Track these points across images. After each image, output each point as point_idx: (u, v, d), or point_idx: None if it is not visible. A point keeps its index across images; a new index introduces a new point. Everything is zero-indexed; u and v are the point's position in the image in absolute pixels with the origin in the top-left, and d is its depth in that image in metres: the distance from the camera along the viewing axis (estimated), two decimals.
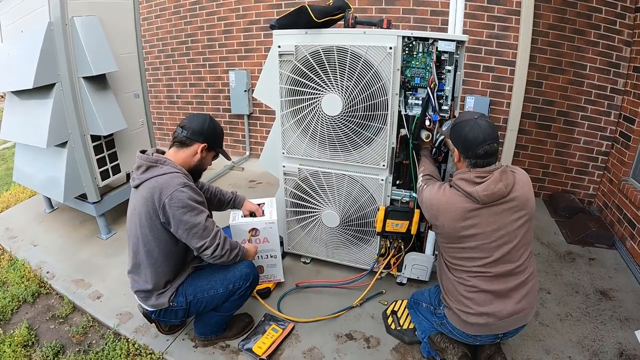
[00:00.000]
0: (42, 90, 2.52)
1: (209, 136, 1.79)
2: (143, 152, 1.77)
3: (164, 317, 1.88)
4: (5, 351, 2.12)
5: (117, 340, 2.13)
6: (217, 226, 1.77)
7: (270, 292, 2.37)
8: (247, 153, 4.68)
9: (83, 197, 2.89)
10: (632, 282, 2.59)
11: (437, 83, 1.92)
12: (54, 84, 2.50)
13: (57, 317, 2.33)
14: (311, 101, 2.10)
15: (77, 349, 2.12)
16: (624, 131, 3.18)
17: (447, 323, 1.75)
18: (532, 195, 1.59)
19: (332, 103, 2.04)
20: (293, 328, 2.13)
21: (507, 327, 1.61)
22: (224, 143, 1.93)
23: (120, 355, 2.03)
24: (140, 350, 2.06)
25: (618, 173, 3.17)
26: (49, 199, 3.47)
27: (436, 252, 2.31)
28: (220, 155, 1.93)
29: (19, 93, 2.65)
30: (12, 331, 2.25)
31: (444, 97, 1.95)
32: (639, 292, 2.50)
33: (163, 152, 1.82)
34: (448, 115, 1.96)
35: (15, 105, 2.74)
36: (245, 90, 4.21)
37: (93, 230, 3.13)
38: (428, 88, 1.92)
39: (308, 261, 2.67)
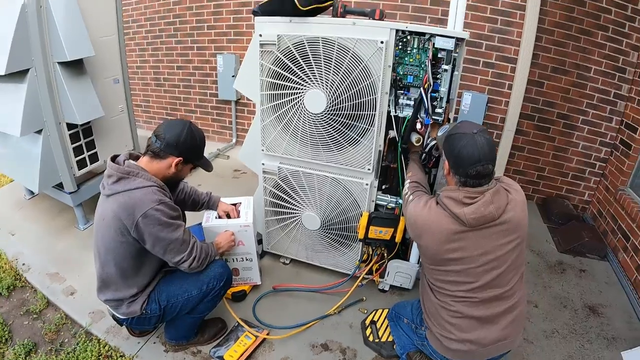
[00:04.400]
0: (15, 74, 2.36)
1: (185, 150, 1.63)
2: (115, 158, 1.64)
3: (136, 324, 1.80)
4: None
5: (88, 341, 2.08)
6: (192, 236, 1.69)
7: (246, 294, 2.27)
8: (234, 140, 4.51)
9: (60, 186, 2.77)
10: (622, 298, 2.52)
11: (431, 83, 1.76)
12: (27, 70, 2.35)
13: (31, 312, 2.28)
14: (293, 96, 1.95)
15: (49, 348, 2.08)
16: (624, 139, 3.06)
17: (427, 345, 1.66)
18: (525, 217, 1.47)
19: (315, 100, 1.89)
20: (268, 334, 2.04)
21: (490, 354, 1.52)
22: (204, 152, 1.78)
23: (90, 357, 1.98)
24: (111, 353, 2.00)
25: (615, 182, 3.06)
26: None
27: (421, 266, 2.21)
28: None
29: None
30: None
31: (438, 99, 1.80)
32: (628, 309, 2.43)
33: (137, 157, 1.69)
34: (441, 118, 1.82)
35: None
36: (233, 76, 4.01)
37: (71, 220, 3.04)
38: (421, 88, 1.77)
39: (287, 262, 2.56)
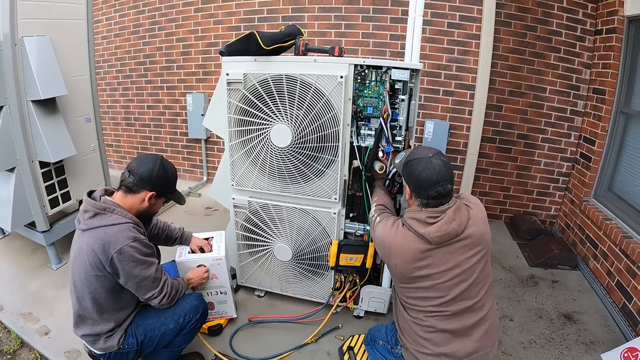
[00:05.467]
0: None
1: (157, 184, 1.68)
2: (91, 193, 1.68)
3: (114, 359, 1.77)
4: None
5: None
6: (164, 273, 1.73)
7: (222, 328, 2.26)
8: (205, 178, 4.56)
9: (32, 225, 2.75)
10: (596, 303, 2.62)
11: (390, 113, 1.86)
12: (1, 107, 2.37)
13: (5, 353, 2.24)
14: (260, 132, 2.02)
15: None
16: (584, 152, 3.22)
17: None
18: (487, 230, 1.53)
19: (281, 134, 1.97)
20: None
21: None
22: (176, 186, 1.82)
23: None
24: None
25: (579, 194, 3.20)
26: None
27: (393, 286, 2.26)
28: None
29: None
30: None
31: (397, 127, 1.90)
32: (603, 313, 2.52)
33: (112, 193, 1.73)
34: (402, 146, 1.91)
35: None
36: (202, 114, 4.08)
37: (44, 260, 3.00)
38: (381, 118, 1.87)
39: (262, 295, 2.57)
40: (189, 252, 2.07)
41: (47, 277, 2.83)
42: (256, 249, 2.35)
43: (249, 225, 2.29)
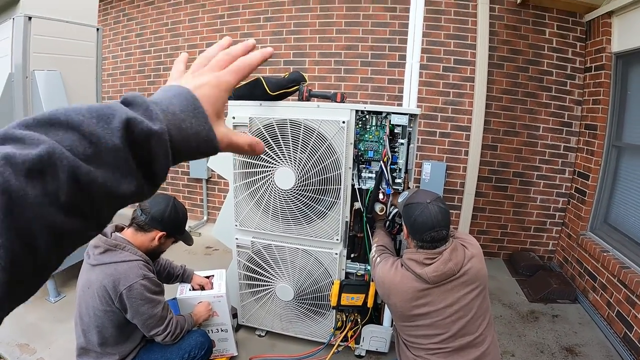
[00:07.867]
0: None
1: (168, 224, 1.75)
2: None
3: None
4: None
5: None
6: (170, 311, 1.78)
7: None
8: (205, 218, 4.56)
9: None
10: (598, 335, 2.63)
11: (390, 156, 1.94)
12: None
13: None
14: (264, 174, 2.09)
15: None
16: (579, 187, 3.30)
17: None
18: (483, 267, 1.60)
19: (285, 177, 2.04)
20: None
21: None
22: (185, 227, 1.89)
23: None
24: None
25: (576, 228, 3.25)
26: None
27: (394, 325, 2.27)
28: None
29: None
30: None
31: (397, 170, 1.97)
32: (605, 344, 2.53)
33: (122, 229, 1.78)
34: (401, 188, 1.98)
35: None
36: None
37: (42, 292, 2.95)
38: (381, 162, 1.94)
39: (263, 334, 2.56)
40: (190, 290, 2.11)
41: (45, 309, 2.82)
42: (258, 289, 2.37)
43: (251, 265, 2.32)
